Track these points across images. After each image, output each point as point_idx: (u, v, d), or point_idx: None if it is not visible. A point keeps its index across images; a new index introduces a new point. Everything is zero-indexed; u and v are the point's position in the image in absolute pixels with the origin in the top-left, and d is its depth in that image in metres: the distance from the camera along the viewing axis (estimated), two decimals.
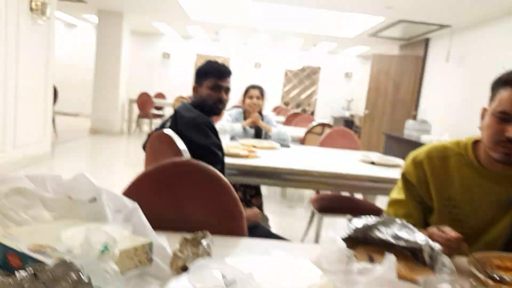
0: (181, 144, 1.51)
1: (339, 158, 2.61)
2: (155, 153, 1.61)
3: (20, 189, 0.81)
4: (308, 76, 11.87)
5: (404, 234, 0.79)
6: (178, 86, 10.17)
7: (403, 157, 2.76)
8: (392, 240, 0.79)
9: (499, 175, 1.01)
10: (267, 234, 1.64)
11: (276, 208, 3.79)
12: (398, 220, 0.83)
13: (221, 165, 1.65)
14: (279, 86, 11.05)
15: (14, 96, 4.01)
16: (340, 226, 0.77)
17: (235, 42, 10.45)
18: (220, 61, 1.92)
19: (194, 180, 0.98)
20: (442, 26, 5.88)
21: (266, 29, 8.04)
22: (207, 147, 1.56)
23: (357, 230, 0.79)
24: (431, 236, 0.85)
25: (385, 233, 0.80)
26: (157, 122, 8.22)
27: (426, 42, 6.96)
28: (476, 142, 1.08)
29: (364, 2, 5.20)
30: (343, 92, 11.01)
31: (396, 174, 2.15)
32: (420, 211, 1.12)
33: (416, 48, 7.30)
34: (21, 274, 0.43)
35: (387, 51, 8.39)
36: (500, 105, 0.94)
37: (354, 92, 10.92)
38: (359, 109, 10.39)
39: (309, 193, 4.41)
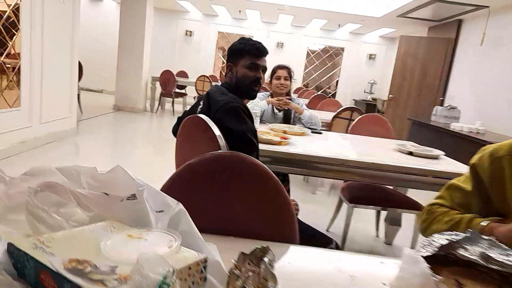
0: (216, 130, 1.40)
1: (374, 147, 2.46)
2: (188, 139, 1.51)
3: (52, 184, 0.71)
4: (330, 57, 11.55)
5: (495, 254, 0.67)
6: (200, 65, 10.05)
7: (429, 144, 2.63)
8: (482, 261, 0.66)
9: None
10: (305, 228, 1.54)
11: (299, 193, 3.69)
12: (485, 237, 0.70)
13: (256, 153, 1.54)
14: (301, 67, 10.78)
15: (40, 73, 3.97)
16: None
17: (258, 21, 10.17)
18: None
19: (241, 176, 0.87)
20: (478, 7, 5.51)
21: (291, 8, 7.75)
22: (243, 133, 1.45)
23: (441, 247, 0.67)
24: None
25: (472, 252, 0.68)
26: (179, 101, 8.17)
27: (459, 23, 6.57)
28: None
29: None
30: (366, 75, 10.68)
31: (434, 166, 2.02)
32: (482, 207, 0.99)
33: (447, 30, 6.92)
34: None
35: (414, 33, 8.00)
36: None
37: (377, 75, 10.58)
38: (382, 92, 10.08)
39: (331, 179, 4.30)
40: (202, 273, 0.56)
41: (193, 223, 0.67)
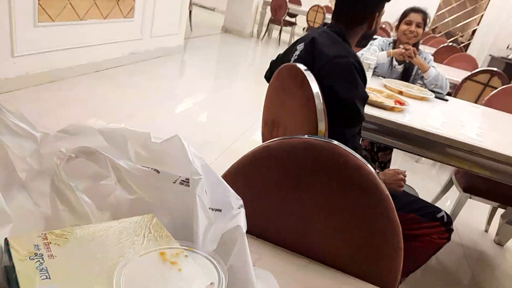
0: (315, 87, 1.13)
1: None
2: (281, 91, 1.26)
3: (90, 151, 0.56)
4: None
5: None
6: None
7: None
8: None
9: None
10: (412, 200, 1.30)
11: (399, 159, 3.27)
12: None
13: (360, 127, 1.24)
14: (433, 7, 9.23)
15: None
16: None
17: None
18: None
19: (335, 179, 0.62)
20: None
21: None
22: (351, 101, 1.14)
23: None
24: None
25: None
26: (287, 30, 7.74)
27: None
28: None
29: None
30: None
31: None
32: None
33: None
34: None
35: None
36: None
37: None
38: None
39: None
40: None
41: (249, 255, 0.46)
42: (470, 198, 1.97)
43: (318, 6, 6.84)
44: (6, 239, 0.42)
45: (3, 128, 0.50)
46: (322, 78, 1.12)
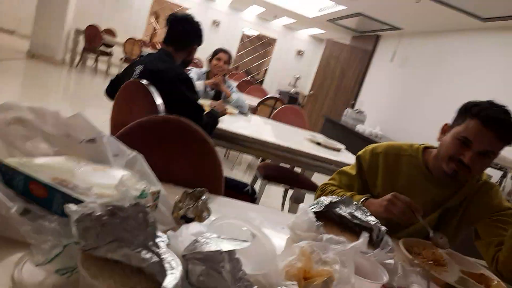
0: (158, 99, 1.55)
1: (290, 134, 2.80)
2: (128, 102, 1.61)
3: (22, 119, 0.82)
4: (263, 45, 11.90)
5: (359, 214, 0.97)
6: (130, 27, 9.56)
7: (338, 140, 3.12)
8: (349, 217, 0.96)
9: (439, 180, 1.21)
10: (227, 180, 1.84)
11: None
12: (355, 202, 1.00)
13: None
14: (234, 49, 10.92)
15: None
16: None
17: None
18: (179, 11, 2.00)
19: (185, 138, 1.05)
20: (393, 27, 6.27)
21: None
22: (195, 102, 1.66)
23: (325, 206, 0.95)
24: (395, 198, 1.04)
25: (344, 211, 0.97)
26: (103, 60, 7.72)
27: (376, 38, 7.33)
28: (426, 149, 1.28)
29: None
30: (292, 69, 11.26)
31: (336, 156, 2.41)
32: (361, 188, 1.30)
33: (366, 42, 7.68)
34: (96, 210, 0.48)
35: (340, 38, 8.71)
36: (465, 131, 1.09)
37: (303, 71, 11.22)
38: (304, 88, 10.78)
39: (248, 158, 4.68)
40: (156, 201, 0.74)
41: (147, 165, 0.84)
42: (268, 184, 2.70)
43: (134, 39, 7.20)
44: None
45: None
46: (171, 89, 1.57)
